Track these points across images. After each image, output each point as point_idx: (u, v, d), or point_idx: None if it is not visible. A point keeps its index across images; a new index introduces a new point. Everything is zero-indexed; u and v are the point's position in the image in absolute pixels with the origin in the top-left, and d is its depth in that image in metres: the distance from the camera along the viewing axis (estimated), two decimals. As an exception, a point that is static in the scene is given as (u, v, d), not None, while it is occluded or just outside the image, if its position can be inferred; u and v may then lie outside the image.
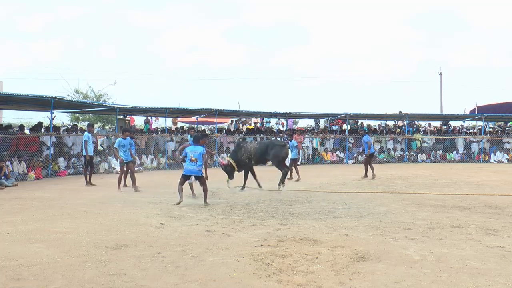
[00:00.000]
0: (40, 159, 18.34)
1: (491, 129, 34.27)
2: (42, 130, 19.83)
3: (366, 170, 18.24)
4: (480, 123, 32.27)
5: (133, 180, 13.84)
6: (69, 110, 26.76)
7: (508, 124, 34.94)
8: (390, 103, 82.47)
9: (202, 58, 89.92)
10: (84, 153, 15.64)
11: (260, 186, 14.36)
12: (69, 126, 25.46)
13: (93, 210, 10.07)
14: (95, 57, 78.75)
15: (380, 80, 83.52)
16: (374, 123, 34.33)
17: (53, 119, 19.88)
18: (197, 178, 11.50)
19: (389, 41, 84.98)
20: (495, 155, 29.25)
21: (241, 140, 15.71)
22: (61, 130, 21.99)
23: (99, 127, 30.48)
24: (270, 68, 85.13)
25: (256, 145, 15.02)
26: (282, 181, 14.39)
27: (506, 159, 28.93)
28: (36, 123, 21.31)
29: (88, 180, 15.34)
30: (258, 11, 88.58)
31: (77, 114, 33.19)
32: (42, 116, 25.08)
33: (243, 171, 14.60)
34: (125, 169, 14.22)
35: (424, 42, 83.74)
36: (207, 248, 6.84)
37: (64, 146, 20.13)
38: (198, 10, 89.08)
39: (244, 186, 14.25)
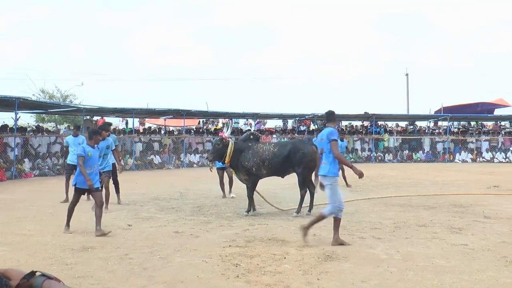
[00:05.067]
0: (4, 161, 17.91)
1: (456, 129, 34.91)
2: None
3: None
4: (445, 123, 32.84)
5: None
6: (34, 111, 26.24)
7: (472, 124, 35.67)
8: (358, 104, 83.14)
9: (170, 59, 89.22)
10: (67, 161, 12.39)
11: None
12: (34, 127, 24.95)
13: (59, 212, 9.89)
14: (64, 57, 77.16)
15: (348, 81, 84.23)
16: (342, 124, 34.56)
17: (17, 119, 19.45)
18: None
19: (356, 43, 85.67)
20: (459, 154, 29.84)
21: (250, 136, 10.42)
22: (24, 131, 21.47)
23: (65, 128, 29.94)
24: (238, 68, 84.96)
25: (273, 147, 10.23)
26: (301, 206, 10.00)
27: (470, 158, 29.55)
28: (1, 124, 20.81)
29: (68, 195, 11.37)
30: (227, 12, 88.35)
31: (43, 115, 32.56)
32: (6, 117, 24.57)
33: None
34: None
35: (392, 44, 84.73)
36: (175, 249, 6.81)
37: (30, 147, 19.71)
38: (167, 11, 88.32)
39: (250, 208, 10.00)
